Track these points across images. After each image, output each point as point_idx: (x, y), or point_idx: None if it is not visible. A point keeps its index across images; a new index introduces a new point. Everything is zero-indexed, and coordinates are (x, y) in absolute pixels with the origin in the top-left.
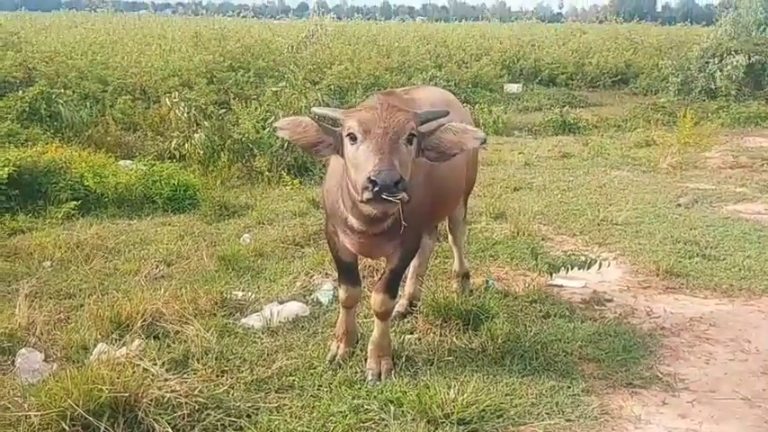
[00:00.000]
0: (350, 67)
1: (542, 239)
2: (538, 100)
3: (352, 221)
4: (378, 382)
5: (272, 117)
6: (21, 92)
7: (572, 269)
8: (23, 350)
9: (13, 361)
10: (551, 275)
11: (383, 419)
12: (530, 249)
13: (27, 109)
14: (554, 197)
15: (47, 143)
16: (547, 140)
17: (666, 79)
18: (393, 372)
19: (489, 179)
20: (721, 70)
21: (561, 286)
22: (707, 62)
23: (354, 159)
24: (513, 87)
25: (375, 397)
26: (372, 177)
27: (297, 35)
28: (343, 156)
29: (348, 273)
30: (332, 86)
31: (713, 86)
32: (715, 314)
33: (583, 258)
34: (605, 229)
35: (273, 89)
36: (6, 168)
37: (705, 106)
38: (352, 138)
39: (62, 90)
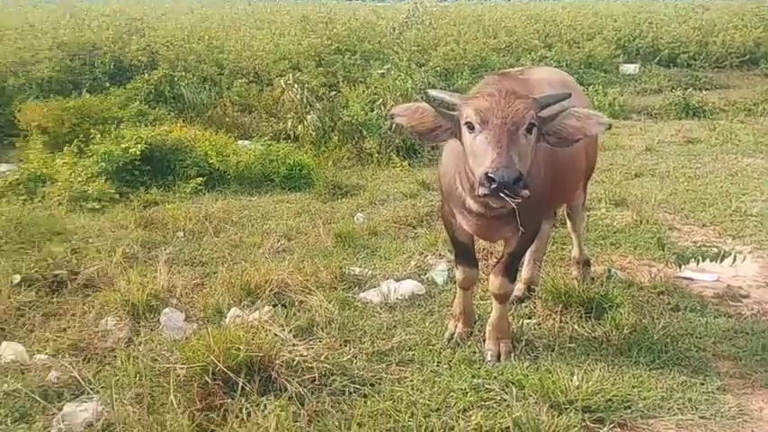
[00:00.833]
0: (455, 49)
1: (668, 229)
2: (657, 81)
3: (470, 203)
4: (497, 364)
5: (380, 99)
6: (146, 75)
7: (703, 261)
8: (167, 309)
9: (159, 319)
10: (680, 267)
11: (504, 400)
12: (655, 239)
13: (153, 91)
14: (680, 185)
15: (172, 123)
16: (668, 125)
17: None
18: (512, 354)
19: (607, 164)
20: None
21: (691, 279)
22: None
23: (472, 149)
24: (630, 68)
25: (495, 377)
26: (490, 174)
27: (400, 17)
28: (461, 141)
29: (465, 254)
30: (437, 68)
31: None
32: None
33: (715, 250)
34: (738, 220)
35: (379, 71)
36: (139, 145)
37: None
38: (470, 126)
39: (183, 73)
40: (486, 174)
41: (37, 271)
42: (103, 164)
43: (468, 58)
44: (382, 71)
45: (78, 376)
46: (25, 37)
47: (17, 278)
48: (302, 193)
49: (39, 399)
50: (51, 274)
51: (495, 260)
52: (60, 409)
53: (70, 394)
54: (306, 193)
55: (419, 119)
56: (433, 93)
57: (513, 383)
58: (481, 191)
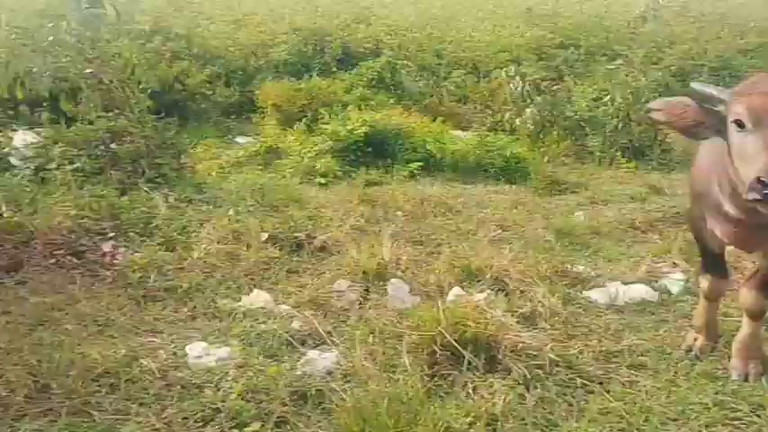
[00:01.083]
0: (694, 47)
1: None
2: None
3: (728, 208)
4: (744, 384)
5: (608, 96)
6: (370, 61)
7: None
8: (393, 280)
9: (386, 287)
10: None
11: (755, 423)
12: None
13: (375, 77)
14: None
15: (391, 109)
16: None
17: None
18: (763, 377)
19: None
20: None
21: None
22: None
23: (740, 150)
24: None
25: (743, 398)
26: (763, 178)
27: (632, 12)
28: (726, 139)
29: (714, 262)
30: (672, 67)
31: None
32: None
33: None
34: None
35: (608, 67)
36: (363, 128)
37: None
38: (739, 125)
39: (404, 61)
40: (759, 177)
41: (281, 231)
42: (330, 142)
43: (709, 58)
44: (611, 67)
45: (320, 328)
46: (266, 22)
47: (264, 235)
48: (517, 186)
49: (291, 340)
50: (292, 236)
51: (742, 275)
52: (303, 355)
53: (312, 343)
54: (521, 186)
55: (679, 114)
56: (696, 86)
57: (765, 407)
58: (750, 195)
